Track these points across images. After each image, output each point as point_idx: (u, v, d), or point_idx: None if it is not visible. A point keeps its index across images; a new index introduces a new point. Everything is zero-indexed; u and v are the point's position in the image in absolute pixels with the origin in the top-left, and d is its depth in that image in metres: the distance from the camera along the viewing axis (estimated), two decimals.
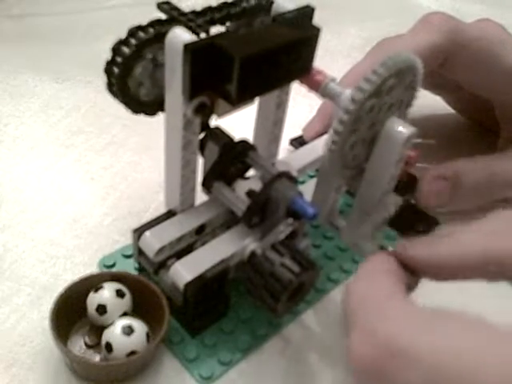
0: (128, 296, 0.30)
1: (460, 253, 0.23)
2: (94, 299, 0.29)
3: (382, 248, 0.28)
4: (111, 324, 0.28)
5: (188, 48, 0.24)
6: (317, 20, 0.28)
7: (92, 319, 0.29)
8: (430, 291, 0.26)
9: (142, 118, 0.29)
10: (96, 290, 0.29)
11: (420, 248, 0.24)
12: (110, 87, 0.27)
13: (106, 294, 0.29)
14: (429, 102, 0.48)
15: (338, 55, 0.59)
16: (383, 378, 0.19)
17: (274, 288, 0.28)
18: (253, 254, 0.30)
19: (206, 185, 0.31)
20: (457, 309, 0.19)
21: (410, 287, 0.24)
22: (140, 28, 0.26)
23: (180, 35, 0.24)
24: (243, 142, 0.31)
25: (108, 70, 0.26)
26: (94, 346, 0.29)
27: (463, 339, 0.18)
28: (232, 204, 0.30)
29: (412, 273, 0.24)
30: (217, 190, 0.31)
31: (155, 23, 0.26)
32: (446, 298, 0.27)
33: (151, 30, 0.26)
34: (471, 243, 0.23)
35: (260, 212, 0.29)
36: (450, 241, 0.23)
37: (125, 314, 0.29)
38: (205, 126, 0.30)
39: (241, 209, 0.29)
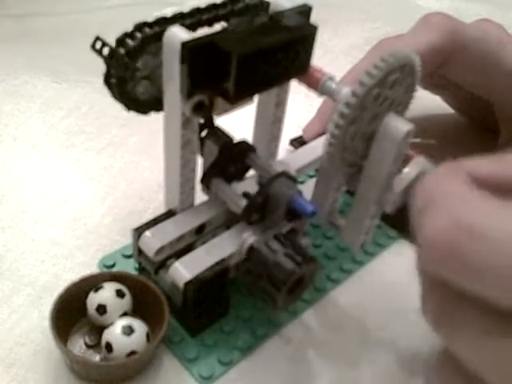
0: (128, 296, 0.30)
1: None
2: (94, 299, 0.29)
3: None
4: (111, 324, 0.28)
5: (185, 46, 0.24)
6: (316, 19, 0.28)
7: (92, 319, 0.29)
8: None
9: (141, 118, 0.29)
10: (96, 290, 0.29)
11: (481, 164, 0.22)
12: (108, 79, 0.27)
13: (106, 293, 0.29)
14: (429, 102, 0.48)
15: (338, 55, 0.59)
16: (458, 257, 0.18)
17: (277, 277, 0.27)
18: (251, 248, 0.29)
19: (205, 181, 0.31)
20: None
21: None
22: (146, 24, 0.26)
23: (177, 33, 0.24)
24: (243, 143, 0.31)
25: (108, 61, 0.26)
26: (94, 346, 0.29)
27: None
28: (231, 201, 0.30)
29: None
30: (216, 186, 0.31)
31: (160, 21, 0.26)
32: None
33: (156, 27, 0.26)
34: None
35: (259, 209, 0.29)
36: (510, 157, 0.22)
37: (125, 314, 0.29)
38: (208, 125, 0.30)
39: (240, 205, 0.29)
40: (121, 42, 0.26)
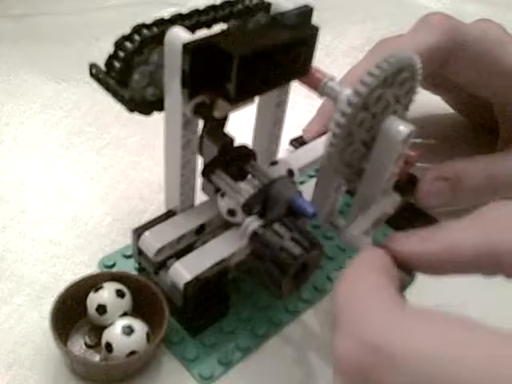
0: (128, 296, 0.30)
1: (452, 246, 0.22)
2: (94, 299, 0.29)
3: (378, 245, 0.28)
4: (111, 324, 0.28)
5: (187, 47, 0.24)
6: (317, 20, 0.28)
7: (92, 319, 0.29)
8: (427, 291, 0.26)
9: (142, 118, 0.29)
10: (96, 290, 0.29)
11: (410, 242, 0.23)
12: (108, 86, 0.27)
13: (106, 293, 0.29)
14: (429, 102, 0.48)
15: (339, 55, 0.59)
16: (369, 379, 0.18)
17: (284, 261, 0.27)
18: (255, 234, 0.29)
19: (207, 173, 0.31)
20: (456, 306, 0.19)
21: (405, 283, 0.24)
22: (144, 25, 0.26)
23: (179, 35, 0.24)
24: (243, 148, 0.31)
25: (108, 64, 0.26)
26: (94, 346, 0.29)
27: (449, 342, 0.17)
28: (233, 192, 0.30)
29: (404, 268, 0.24)
30: (218, 177, 0.30)
31: (159, 22, 0.26)
32: (444, 297, 0.27)
33: (155, 29, 0.26)
34: (463, 236, 0.22)
35: (261, 201, 0.29)
36: (441, 234, 0.23)
37: (125, 314, 0.29)
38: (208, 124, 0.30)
39: (244, 195, 0.29)
40: (119, 44, 0.26)
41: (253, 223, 0.29)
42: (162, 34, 0.25)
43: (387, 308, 0.20)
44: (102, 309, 0.29)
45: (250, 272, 0.29)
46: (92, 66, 0.27)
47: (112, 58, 0.26)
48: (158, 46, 0.26)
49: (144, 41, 0.26)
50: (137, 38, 0.26)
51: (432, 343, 0.18)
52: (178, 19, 0.26)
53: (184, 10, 0.27)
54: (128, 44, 0.25)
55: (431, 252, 0.22)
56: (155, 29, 0.26)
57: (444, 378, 0.17)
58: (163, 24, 0.26)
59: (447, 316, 0.19)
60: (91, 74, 0.27)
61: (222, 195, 0.30)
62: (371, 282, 0.21)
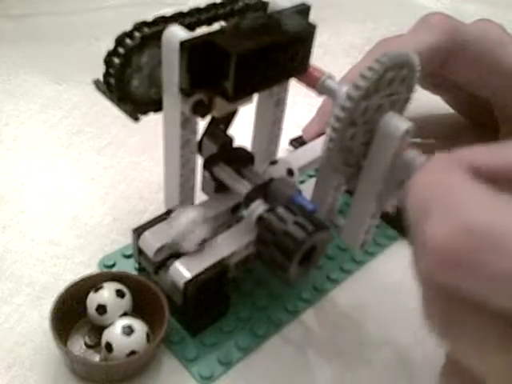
0: (128, 296, 0.30)
1: None
2: (94, 299, 0.29)
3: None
4: (111, 324, 0.28)
5: (184, 45, 0.24)
6: (316, 19, 0.28)
7: (92, 319, 0.29)
8: None
9: (141, 118, 0.29)
10: (96, 290, 0.29)
11: (480, 152, 0.20)
12: (107, 78, 0.27)
13: (106, 294, 0.29)
14: (429, 102, 0.48)
15: (338, 55, 0.59)
16: (471, 268, 0.17)
17: (288, 246, 0.27)
18: (261, 218, 0.29)
19: (208, 166, 0.30)
20: None
21: None
22: (145, 23, 0.26)
23: (176, 33, 0.24)
24: (241, 150, 0.31)
25: (108, 61, 0.26)
26: (94, 346, 0.29)
27: None
28: (235, 184, 0.30)
29: None
30: (220, 169, 0.30)
31: (160, 20, 0.26)
32: None
33: (155, 27, 0.26)
34: None
35: (263, 195, 0.29)
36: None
37: (125, 314, 0.29)
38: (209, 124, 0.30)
39: (245, 188, 0.29)
40: (120, 42, 0.26)
41: (258, 208, 0.29)
42: (162, 32, 0.25)
43: (484, 195, 0.18)
44: (102, 309, 0.29)
45: (259, 259, 0.29)
46: (97, 82, 0.27)
47: (111, 54, 0.26)
48: (158, 44, 0.26)
49: (144, 38, 0.26)
50: (137, 34, 0.26)
51: None
52: (178, 17, 0.26)
53: (184, 9, 0.27)
54: (128, 40, 0.26)
55: (506, 162, 0.20)
56: (156, 27, 0.26)
57: None
58: (164, 22, 0.26)
59: None
60: (97, 89, 0.27)
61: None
62: (459, 174, 0.19)
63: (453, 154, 0.20)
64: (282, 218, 0.27)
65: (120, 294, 0.29)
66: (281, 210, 0.28)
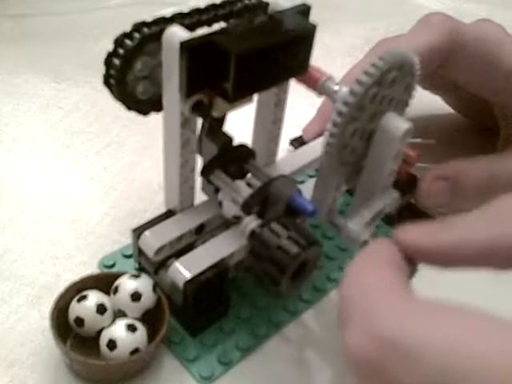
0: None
1: (465, 239, 0.21)
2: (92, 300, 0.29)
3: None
4: (111, 324, 0.28)
5: (184, 46, 0.24)
6: (317, 20, 0.28)
7: (90, 323, 0.29)
8: (432, 283, 0.26)
9: (141, 118, 0.29)
10: (80, 299, 0.29)
11: (421, 234, 0.23)
12: (107, 79, 0.27)
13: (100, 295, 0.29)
14: (429, 102, 0.48)
15: (338, 55, 0.59)
16: (382, 373, 0.18)
17: (281, 260, 0.27)
18: (253, 233, 0.29)
19: (206, 173, 0.31)
20: (462, 301, 0.19)
21: (410, 275, 0.23)
22: (144, 23, 0.26)
23: (176, 33, 0.24)
24: (242, 147, 0.31)
25: (108, 62, 0.26)
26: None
27: (463, 333, 0.17)
28: (232, 192, 0.30)
29: (411, 260, 0.23)
30: (217, 177, 0.30)
31: (159, 20, 0.26)
32: (449, 291, 0.27)
33: (155, 27, 0.26)
34: (476, 229, 0.21)
35: (260, 201, 0.29)
36: (453, 226, 0.22)
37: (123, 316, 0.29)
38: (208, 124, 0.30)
39: (241, 196, 0.29)
40: (119, 42, 0.26)
41: (251, 223, 0.29)
42: (162, 32, 0.25)
43: (398, 300, 0.19)
44: (101, 307, 0.28)
45: (250, 271, 0.29)
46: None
47: (111, 55, 0.26)
48: (157, 45, 0.26)
49: (144, 38, 0.26)
50: (136, 35, 0.26)
51: (445, 335, 0.17)
52: (178, 17, 0.26)
53: (184, 9, 0.27)
54: (128, 41, 0.26)
55: (442, 245, 0.22)
56: (155, 27, 0.26)
57: (458, 370, 0.16)
58: (163, 22, 0.26)
59: (460, 308, 0.18)
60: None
61: (220, 203, 0.30)
62: (380, 274, 0.21)
63: (384, 244, 0.23)
64: (276, 233, 0.28)
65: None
66: (274, 225, 0.28)
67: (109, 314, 0.29)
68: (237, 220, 0.30)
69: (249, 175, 0.32)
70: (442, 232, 0.22)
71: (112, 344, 0.27)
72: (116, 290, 0.29)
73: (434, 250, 0.22)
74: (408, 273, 0.23)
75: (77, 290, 0.29)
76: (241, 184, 0.30)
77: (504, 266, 0.22)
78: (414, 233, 0.23)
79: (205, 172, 0.31)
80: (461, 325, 0.18)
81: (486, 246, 0.21)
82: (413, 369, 0.17)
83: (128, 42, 0.26)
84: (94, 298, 0.29)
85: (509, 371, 0.16)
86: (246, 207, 0.29)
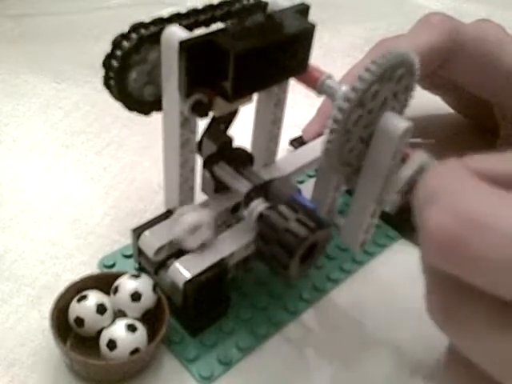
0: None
1: None
2: (92, 300, 0.29)
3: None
4: (111, 324, 0.28)
5: (183, 45, 0.24)
6: (316, 19, 0.28)
7: (90, 323, 0.29)
8: None
9: (141, 118, 0.29)
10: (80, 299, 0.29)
11: (489, 162, 0.22)
12: (107, 81, 0.27)
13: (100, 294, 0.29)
14: (429, 102, 0.48)
15: (338, 55, 0.59)
16: (462, 250, 0.18)
17: (290, 243, 0.27)
18: (261, 216, 0.28)
19: (208, 165, 0.31)
20: None
21: None
22: (142, 24, 0.26)
23: (175, 33, 0.24)
24: (241, 151, 0.31)
25: (106, 64, 0.26)
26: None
27: None
28: (235, 183, 0.30)
29: None
30: (220, 168, 0.30)
31: (157, 21, 0.26)
32: None
33: (152, 27, 0.26)
34: None
35: (263, 193, 0.29)
36: None
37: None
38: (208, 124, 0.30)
39: (245, 187, 0.29)
40: (117, 43, 0.26)
41: (259, 206, 0.29)
42: (160, 33, 0.25)
43: (478, 185, 0.19)
44: (101, 307, 0.29)
45: (258, 255, 0.29)
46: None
47: (109, 57, 0.26)
48: (155, 45, 0.26)
49: (141, 39, 0.26)
50: (134, 36, 0.26)
51: None
52: (175, 18, 0.26)
53: (183, 9, 0.27)
54: (125, 43, 0.26)
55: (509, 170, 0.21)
56: (153, 28, 0.26)
57: None
58: (161, 23, 0.26)
59: None
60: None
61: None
62: (459, 170, 0.20)
63: (459, 161, 0.21)
64: (284, 215, 0.27)
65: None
66: (282, 208, 0.28)
67: (109, 314, 0.29)
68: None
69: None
70: (506, 158, 0.22)
71: (112, 344, 0.27)
72: (116, 290, 0.29)
73: (502, 174, 0.21)
74: None
75: (77, 289, 0.29)
76: (243, 178, 0.30)
77: None
78: (479, 159, 0.22)
79: (207, 164, 0.31)
80: None
81: None
82: (491, 239, 0.17)
83: (125, 43, 0.26)
84: (93, 297, 0.29)
85: None
86: (249, 199, 0.29)
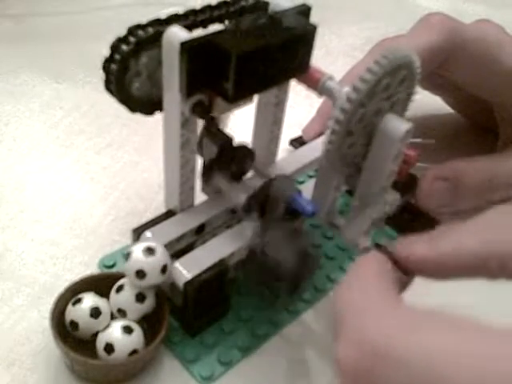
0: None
1: (458, 249, 0.22)
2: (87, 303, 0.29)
3: (378, 245, 0.28)
4: (107, 326, 0.28)
5: (185, 46, 0.24)
6: (317, 20, 0.28)
7: (86, 326, 0.29)
8: (431, 291, 0.26)
9: (142, 118, 0.29)
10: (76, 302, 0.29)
11: (417, 247, 0.23)
12: (108, 85, 0.27)
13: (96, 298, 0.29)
14: (429, 102, 0.48)
15: (339, 55, 0.59)
16: (370, 381, 0.19)
17: (277, 276, 0.27)
18: (250, 249, 0.29)
19: (206, 176, 0.31)
20: (461, 307, 0.19)
21: (403, 286, 0.24)
22: (139, 26, 0.26)
23: (177, 34, 0.24)
24: (242, 148, 0.31)
25: (106, 68, 0.26)
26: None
27: (449, 340, 0.18)
28: (232, 195, 0.30)
29: (406, 271, 0.24)
30: (217, 180, 0.31)
31: (154, 22, 0.26)
32: (446, 298, 0.27)
33: (150, 29, 0.26)
34: (470, 239, 0.22)
35: (260, 203, 0.29)
36: (447, 238, 0.23)
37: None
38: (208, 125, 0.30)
39: (242, 198, 0.29)
40: (115, 47, 0.26)
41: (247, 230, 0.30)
42: (158, 35, 0.25)
43: (386, 310, 0.20)
44: (95, 310, 0.28)
45: (249, 283, 0.30)
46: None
47: (108, 61, 0.26)
48: (154, 47, 0.26)
49: (139, 42, 0.26)
50: (132, 39, 0.26)
51: (433, 344, 0.18)
52: (173, 19, 0.26)
53: (181, 10, 0.27)
54: (124, 46, 0.26)
55: (436, 256, 0.23)
56: (150, 29, 0.26)
57: (444, 378, 0.17)
58: (159, 24, 0.26)
59: (449, 315, 0.19)
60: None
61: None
62: (369, 286, 0.22)
63: (375, 258, 0.24)
64: (272, 247, 0.28)
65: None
66: (270, 239, 0.28)
67: (104, 317, 0.29)
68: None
69: (248, 175, 0.32)
70: (436, 242, 0.23)
71: (109, 347, 0.27)
72: (120, 289, 0.29)
73: (429, 261, 0.23)
74: (401, 282, 0.24)
75: (77, 290, 0.29)
76: (241, 185, 0.30)
77: (495, 276, 0.22)
78: (408, 246, 0.24)
79: (205, 174, 0.31)
80: (447, 332, 0.18)
81: (482, 254, 0.22)
82: (400, 375, 0.18)
83: (124, 46, 0.26)
84: (88, 301, 0.29)
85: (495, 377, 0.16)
86: (247, 208, 0.29)
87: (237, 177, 0.31)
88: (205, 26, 0.28)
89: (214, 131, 0.30)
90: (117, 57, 0.26)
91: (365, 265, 0.24)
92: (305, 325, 0.33)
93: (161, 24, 0.26)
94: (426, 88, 0.46)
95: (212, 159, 0.30)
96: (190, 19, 0.27)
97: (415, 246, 0.23)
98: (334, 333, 0.21)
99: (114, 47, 0.26)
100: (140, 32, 0.26)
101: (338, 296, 0.22)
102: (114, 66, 0.26)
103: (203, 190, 0.32)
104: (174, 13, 0.26)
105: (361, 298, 0.21)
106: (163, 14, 0.26)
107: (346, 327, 0.20)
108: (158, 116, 0.29)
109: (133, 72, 0.27)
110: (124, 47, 0.26)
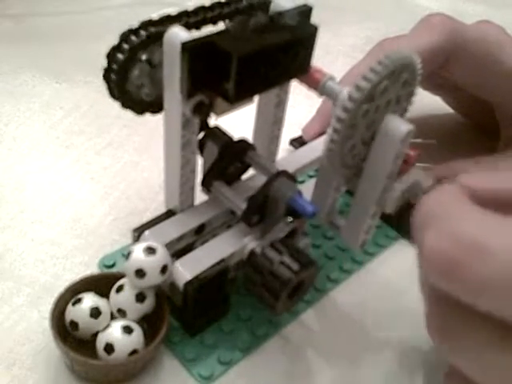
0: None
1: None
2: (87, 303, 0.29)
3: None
4: (107, 327, 0.28)
5: (185, 47, 0.24)
6: (317, 20, 0.28)
7: (84, 325, 0.29)
8: None
9: (142, 118, 0.29)
10: (76, 302, 0.29)
11: (481, 180, 0.23)
12: (112, 93, 0.27)
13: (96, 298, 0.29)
14: (429, 103, 0.48)
15: (339, 55, 0.59)
16: (458, 273, 0.18)
17: (274, 286, 0.28)
18: (252, 253, 0.30)
19: (206, 184, 0.31)
20: None
21: None
22: (131, 31, 0.26)
23: (178, 34, 0.24)
24: (242, 141, 0.31)
25: (106, 77, 0.26)
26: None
27: None
28: (231, 203, 0.30)
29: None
30: (216, 189, 0.31)
31: (146, 24, 0.26)
32: None
33: (143, 33, 0.26)
34: None
35: (259, 211, 0.29)
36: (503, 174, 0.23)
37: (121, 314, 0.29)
38: (204, 126, 0.30)
39: (240, 208, 0.30)
40: (124, 38, 0.26)
41: (250, 243, 0.30)
42: (153, 36, 0.25)
43: (484, 213, 0.20)
44: (95, 310, 0.28)
45: (247, 289, 0.30)
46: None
47: (115, 49, 0.26)
48: (160, 44, 0.26)
49: (150, 36, 0.26)
50: (143, 32, 0.26)
51: None
52: (183, 16, 0.26)
53: (182, 10, 0.27)
54: (133, 37, 0.26)
55: (501, 188, 0.22)
56: (161, 25, 0.26)
57: None
58: (170, 21, 0.26)
59: None
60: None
61: None
62: (457, 195, 0.21)
63: (455, 182, 0.23)
64: (269, 258, 0.28)
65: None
66: (268, 250, 0.29)
67: (104, 317, 0.29)
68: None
69: (250, 174, 0.32)
70: (499, 176, 0.23)
71: (109, 347, 0.27)
72: (120, 289, 0.29)
73: (500, 194, 0.22)
74: None
75: (77, 290, 0.29)
76: (240, 189, 0.31)
77: None
78: (473, 179, 0.23)
79: (205, 183, 0.31)
80: None
81: None
82: (489, 262, 0.18)
83: (134, 37, 0.26)
84: (88, 301, 0.28)
85: None
86: (247, 218, 0.29)
87: (238, 175, 0.31)
88: (214, 23, 0.28)
89: (215, 132, 0.30)
90: (125, 46, 0.26)
91: (444, 189, 0.22)
92: (305, 325, 0.33)
93: (172, 21, 0.26)
94: (426, 88, 0.46)
95: (212, 164, 0.30)
96: (199, 16, 0.27)
97: (479, 181, 0.23)
98: (418, 225, 0.21)
99: (124, 37, 0.26)
100: (151, 27, 0.26)
101: (427, 201, 0.22)
102: (119, 55, 0.26)
103: (204, 190, 0.32)
104: (183, 10, 0.26)
105: (449, 200, 0.21)
106: (168, 12, 0.26)
107: (435, 224, 0.20)
108: (158, 116, 0.29)
109: (136, 65, 0.27)
110: (134, 38, 0.26)
